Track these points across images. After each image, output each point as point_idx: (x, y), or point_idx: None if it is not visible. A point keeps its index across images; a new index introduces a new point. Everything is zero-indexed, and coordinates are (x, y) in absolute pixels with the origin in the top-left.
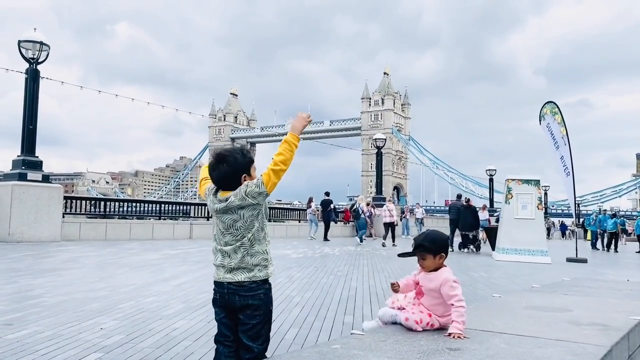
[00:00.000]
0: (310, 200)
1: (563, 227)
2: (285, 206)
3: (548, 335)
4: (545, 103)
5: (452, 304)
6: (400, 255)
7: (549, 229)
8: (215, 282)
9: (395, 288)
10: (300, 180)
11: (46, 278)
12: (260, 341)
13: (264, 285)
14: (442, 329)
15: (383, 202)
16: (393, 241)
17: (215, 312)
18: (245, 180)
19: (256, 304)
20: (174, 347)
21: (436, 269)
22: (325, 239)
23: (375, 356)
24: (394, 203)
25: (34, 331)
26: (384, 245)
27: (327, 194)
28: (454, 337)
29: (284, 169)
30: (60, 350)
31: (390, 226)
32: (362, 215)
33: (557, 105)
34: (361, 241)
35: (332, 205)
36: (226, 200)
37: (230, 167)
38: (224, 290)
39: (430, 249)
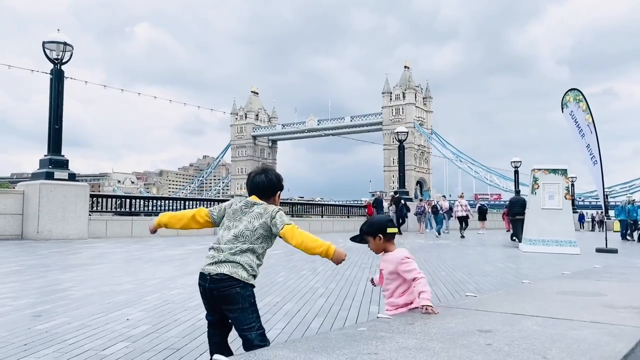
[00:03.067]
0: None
1: (581, 218)
2: (308, 202)
3: (583, 318)
4: (568, 90)
5: (414, 279)
6: (351, 239)
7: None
8: (200, 274)
9: (374, 283)
10: (322, 176)
11: (74, 273)
12: (254, 330)
13: (243, 284)
14: (406, 306)
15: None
16: (462, 233)
17: (202, 302)
18: (273, 201)
19: (233, 297)
20: (199, 337)
21: (386, 251)
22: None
23: (402, 338)
24: (464, 198)
25: (62, 322)
26: (463, 237)
27: (397, 192)
28: (425, 309)
29: (298, 245)
30: (88, 339)
31: (463, 219)
32: (441, 212)
33: (581, 93)
34: (439, 234)
35: (402, 202)
36: (253, 204)
37: (271, 180)
38: (205, 283)
39: (367, 232)
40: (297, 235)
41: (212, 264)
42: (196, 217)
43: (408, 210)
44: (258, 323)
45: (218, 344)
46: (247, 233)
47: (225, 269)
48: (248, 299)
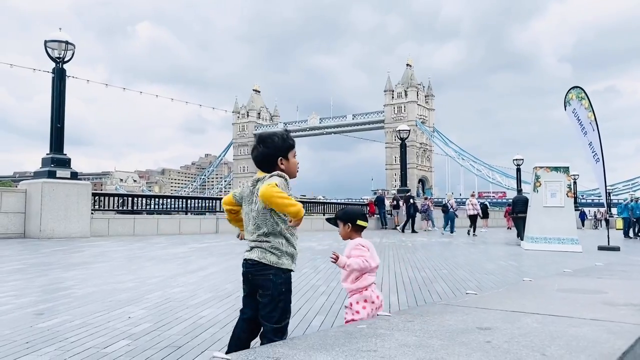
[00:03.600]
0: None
1: (582, 216)
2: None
3: (583, 315)
4: (571, 88)
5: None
6: (327, 219)
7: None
8: (243, 259)
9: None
10: (324, 174)
11: (76, 271)
12: (272, 322)
13: (275, 271)
14: (359, 292)
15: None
16: (474, 231)
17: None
18: (282, 163)
19: (264, 284)
20: (201, 334)
21: (351, 239)
22: (407, 230)
23: (402, 335)
24: (475, 197)
25: (63, 320)
26: (475, 235)
27: (408, 190)
28: (333, 259)
29: (268, 198)
30: (90, 337)
31: (473, 218)
32: (451, 210)
33: (583, 90)
34: (452, 232)
35: (412, 201)
36: (257, 181)
37: (267, 149)
38: (244, 268)
39: (340, 217)
40: (268, 190)
41: (248, 250)
42: (227, 206)
43: (417, 209)
44: (280, 316)
45: (242, 341)
46: (258, 216)
47: (254, 255)
48: (279, 287)
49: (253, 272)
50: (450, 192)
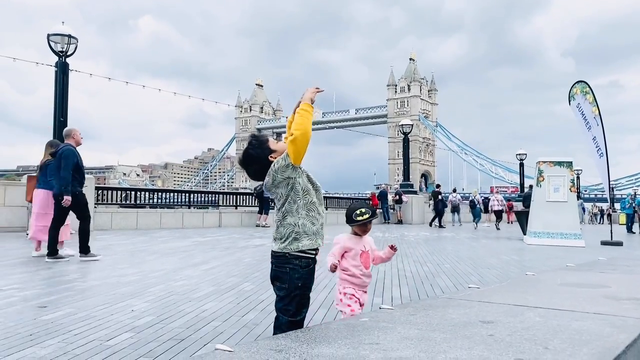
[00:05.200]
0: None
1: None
2: None
3: (585, 309)
4: (575, 82)
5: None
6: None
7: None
8: None
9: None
10: (327, 169)
11: (79, 264)
12: (287, 315)
13: (294, 260)
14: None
15: (411, 189)
16: (498, 225)
17: None
18: (273, 157)
19: (282, 277)
20: (204, 327)
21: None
22: (437, 225)
23: (404, 328)
24: (499, 193)
25: (67, 313)
26: (499, 228)
27: (438, 186)
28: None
29: (303, 134)
30: (93, 330)
31: (499, 213)
32: (477, 205)
33: (588, 85)
34: (476, 227)
35: (440, 196)
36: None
37: (255, 165)
38: (271, 259)
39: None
40: (290, 139)
41: (273, 240)
42: None
43: (445, 205)
44: (296, 311)
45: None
46: (277, 201)
47: (275, 246)
48: (295, 282)
49: (275, 263)
50: (475, 189)
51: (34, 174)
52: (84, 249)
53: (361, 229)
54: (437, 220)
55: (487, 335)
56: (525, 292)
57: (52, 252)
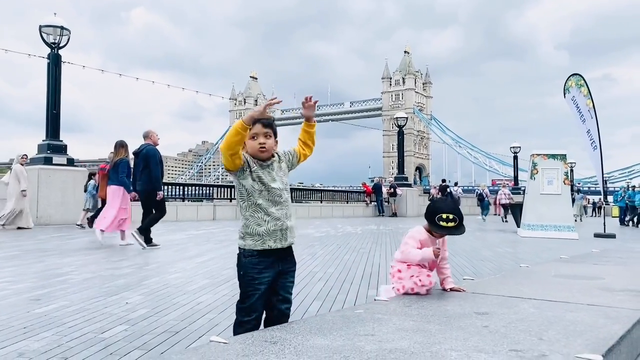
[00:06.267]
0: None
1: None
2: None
3: (579, 301)
4: (570, 75)
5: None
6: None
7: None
8: None
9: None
10: (321, 162)
11: (73, 257)
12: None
13: (241, 254)
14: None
15: (405, 182)
16: (505, 218)
17: None
18: (245, 144)
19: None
20: (198, 320)
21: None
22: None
23: (399, 319)
24: (507, 187)
25: (60, 305)
26: (506, 221)
27: (444, 180)
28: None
29: (222, 147)
30: (87, 322)
31: (506, 206)
32: (486, 199)
33: (583, 78)
34: (484, 220)
35: (448, 190)
36: None
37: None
38: None
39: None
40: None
41: None
42: None
43: (452, 198)
44: (240, 296)
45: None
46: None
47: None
48: (238, 269)
49: None
50: (483, 183)
51: (105, 171)
52: (145, 232)
53: (439, 234)
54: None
55: (482, 327)
56: (520, 283)
57: (147, 240)
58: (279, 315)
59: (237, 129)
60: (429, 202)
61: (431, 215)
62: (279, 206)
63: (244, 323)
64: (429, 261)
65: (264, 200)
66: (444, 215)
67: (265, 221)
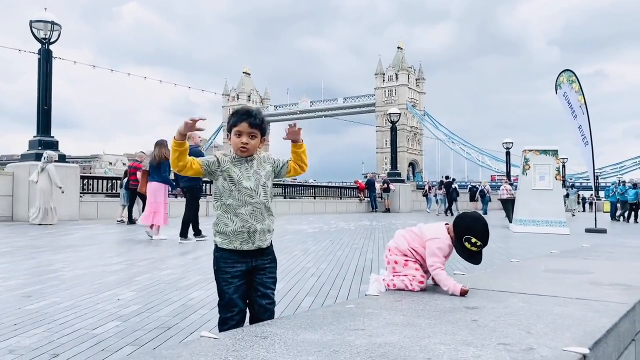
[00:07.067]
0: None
1: None
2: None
3: (568, 295)
4: (562, 71)
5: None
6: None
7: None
8: None
9: None
10: (314, 158)
11: (65, 254)
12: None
13: (215, 249)
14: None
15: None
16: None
17: None
18: (229, 138)
19: None
20: (190, 316)
21: None
22: (448, 213)
23: (390, 314)
24: (508, 183)
25: (52, 302)
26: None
27: (447, 177)
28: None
29: (174, 169)
30: (79, 319)
31: (507, 202)
32: (487, 194)
33: (574, 74)
34: (485, 214)
35: (453, 186)
36: None
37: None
38: None
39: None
40: None
41: None
42: None
43: (458, 194)
44: (217, 292)
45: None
46: None
47: None
48: (213, 264)
49: None
50: (485, 180)
51: (147, 169)
52: (195, 228)
53: (459, 249)
54: (450, 208)
55: (471, 321)
56: (510, 278)
57: (184, 234)
58: (260, 310)
59: (173, 147)
60: (462, 214)
61: (460, 231)
62: (249, 207)
63: (227, 320)
64: (448, 289)
65: (233, 200)
66: (473, 240)
67: (232, 222)
